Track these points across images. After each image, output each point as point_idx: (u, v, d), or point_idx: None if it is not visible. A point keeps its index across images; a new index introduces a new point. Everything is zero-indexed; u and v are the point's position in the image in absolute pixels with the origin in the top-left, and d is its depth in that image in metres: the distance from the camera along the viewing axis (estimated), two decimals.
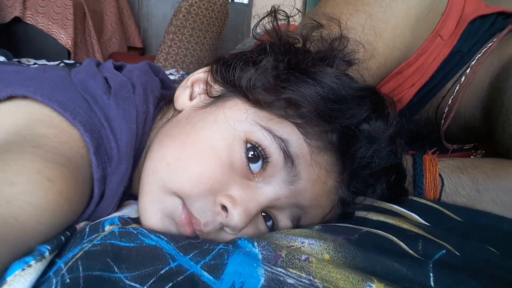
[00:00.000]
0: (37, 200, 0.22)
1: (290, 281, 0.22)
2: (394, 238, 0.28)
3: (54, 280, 0.21)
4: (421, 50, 0.47)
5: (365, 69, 0.41)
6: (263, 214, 0.30)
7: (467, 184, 0.41)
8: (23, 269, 0.21)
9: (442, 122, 0.52)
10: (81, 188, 0.27)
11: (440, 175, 0.40)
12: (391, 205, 0.35)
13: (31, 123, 0.27)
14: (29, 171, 0.23)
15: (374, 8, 0.44)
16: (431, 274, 0.24)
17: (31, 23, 2.02)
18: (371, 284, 0.22)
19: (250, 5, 2.75)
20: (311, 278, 0.22)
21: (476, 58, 0.50)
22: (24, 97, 0.29)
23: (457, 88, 0.51)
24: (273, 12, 0.33)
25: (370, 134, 0.29)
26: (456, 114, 0.51)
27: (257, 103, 0.29)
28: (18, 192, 0.22)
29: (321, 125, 0.28)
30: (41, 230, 0.23)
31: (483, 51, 0.50)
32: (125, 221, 0.28)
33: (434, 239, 0.28)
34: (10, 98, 0.29)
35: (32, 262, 0.21)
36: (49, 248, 0.23)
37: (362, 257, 0.25)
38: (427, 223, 0.32)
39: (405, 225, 0.30)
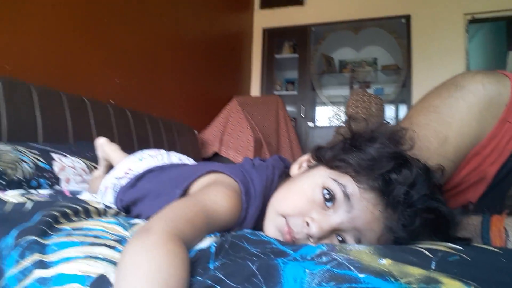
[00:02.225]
0: (224, 204, 0.47)
1: (333, 254, 0.38)
2: (423, 250, 0.40)
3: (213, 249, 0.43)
4: (491, 135, 0.58)
5: (444, 153, 0.56)
6: (337, 236, 0.47)
7: None
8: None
9: None
10: (240, 208, 0.50)
11: (504, 227, 0.47)
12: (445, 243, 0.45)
13: (219, 178, 0.54)
14: (220, 191, 0.49)
15: (442, 108, 0.59)
16: (434, 262, 0.36)
17: (224, 155, 2.63)
18: (383, 260, 0.36)
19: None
20: (344, 255, 0.37)
21: None
22: (213, 171, 0.56)
23: None
24: (349, 118, 0.54)
25: (397, 180, 0.44)
26: None
27: (331, 167, 0.50)
28: (217, 199, 0.47)
29: (365, 175, 0.45)
30: (224, 221, 0.46)
31: None
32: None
33: (457, 253, 0.39)
34: (208, 172, 0.56)
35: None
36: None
37: (387, 252, 0.38)
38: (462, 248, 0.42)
39: (441, 247, 0.41)
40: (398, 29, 3.61)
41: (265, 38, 4.07)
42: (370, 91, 4.00)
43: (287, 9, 3.98)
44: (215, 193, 0.48)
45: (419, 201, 0.45)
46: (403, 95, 3.66)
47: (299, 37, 3.96)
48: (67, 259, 0.39)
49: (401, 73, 3.63)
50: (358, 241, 0.46)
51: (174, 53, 2.58)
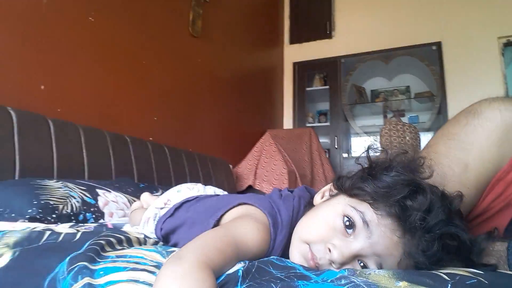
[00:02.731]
0: (253, 236, 0.51)
1: (351, 277, 0.40)
2: (442, 274, 0.41)
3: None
4: None
5: (465, 180, 0.57)
6: (359, 261, 0.49)
7: None
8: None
9: None
10: (268, 239, 0.53)
11: None
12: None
13: (249, 210, 0.58)
14: (250, 224, 0.52)
15: (461, 135, 0.61)
16: (449, 284, 0.37)
17: (258, 188, 2.66)
18: (400, 282, 0.38)
19: None
20: (363, 279, 0.40)
21: None
22: (243, 204, 0.60)
23: None
24: (368, 148, 0.57)
25: (412, 206, 0.46)
26: None
27: (350, 195, 0.52)
28: (247, 231, 0.51)
29: (382, 202, 0.48)
30: (252, 253, 0.50)
31: None
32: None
33: (476, 277, 0.40)
34: (239, 204, 0.61)
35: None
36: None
37: (405, 275, 0.40)
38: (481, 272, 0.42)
39: (461, 272, 0.42)
40: (430, 56, 3.60)
41: (296, 71, 4.18)
42: (405, 119, 3.96)
43: (316, 43, 4.08)
44: (245, 226, 0.52)
45: (437, 226, 0.46)
46: (439, 122, 3.59)
47: (329, 69, 4.03)
48: (113, 282, 0.44)
49: (436, 100, 3.58)
50: (380, 266, 0.48)
51: (208, 91, 2.71)
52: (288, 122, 4.16)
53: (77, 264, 0.47)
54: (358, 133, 4.15)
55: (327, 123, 4.07)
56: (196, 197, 0.77)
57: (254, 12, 3.60)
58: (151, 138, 1.99)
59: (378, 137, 3.43)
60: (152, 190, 1.45)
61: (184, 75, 2.42)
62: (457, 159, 0.60)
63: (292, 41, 4.24)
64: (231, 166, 2.80)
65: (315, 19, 4.14)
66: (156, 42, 2.16)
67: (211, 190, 0.91)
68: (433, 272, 0.42)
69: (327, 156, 3.83)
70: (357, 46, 3.88)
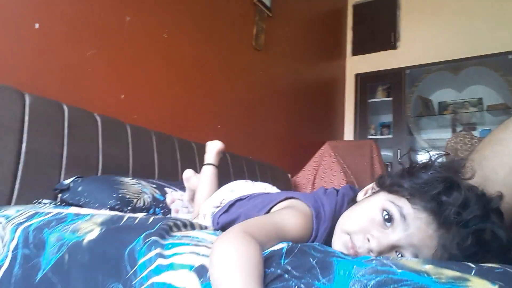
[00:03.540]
0: (291, 221, 0.57)
1: (382, 259, 0.45)
2: (472, 264, 0.44)
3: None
4: None
5: (510, 183, 0.59)
6: (396, 252, 0.53)
7: None
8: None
9: None
10: (309, 227, 0.59)
11: None
12: None
13: (293, 202, 0.65)
14: (290, 212, 0.59)
15: (508, 141, 0.62)
16: (474, 270, 0.40)
17: None
18: (426, 265, 0.42)
19: None
20: (393, 261, 0.44)
21: None
22: (290, 198, 0.67)
23: None
24: (408, 152, 0.61)
25: (447, 201, 0.49)
26: None
27: (390, 191, 0.57)
28: (286, 217, 0.58)
29: (419, 197, 0.51)
30: (291, 235, 0.56)
31: None
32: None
33: (503, 267, 0.42)
34: (286, 199, 0.67)
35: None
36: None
37: (434, 261, 0.43)
38: None
39: (492, 264, 0.45)
40: (504, 66, 3.38)
41: (358, 83, 4.14)
42: (476, 133, 3.74)
43: (380, 54, 4.03)
44: (285, 212, 0.59)
45: (472, 221, 0.49)
46: None
47: (393, 80, 3.95)
48: (179, 254, 0.53)
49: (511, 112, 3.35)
50: (416, 257, 0.51)
51: (270, 101, 2.81)
52: (349, 133, 4.13)
53: (150, 238, 0.57)
54: (424, 147, 3.98)
55: (390, 136, 3.97)
56: (248, 196, 0.85)
57: (316, 24, 3.67)
58: None
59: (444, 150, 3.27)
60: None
61: (247, 86, 2.55)
62: (503, 163, 0.61)
63: (354, 53, 4.23)
64: (289, 175, 2.86)
65: (379, 30, 4.09)
66: (222, 56, 2.31)
67: (260, 185, 1.00)
68: (465, 263, 0.45)
69: (389, 169, 3.73)
70: (423, 56, 3.77)
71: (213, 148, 1.34)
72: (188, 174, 1.32)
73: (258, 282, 0.39)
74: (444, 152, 0.59)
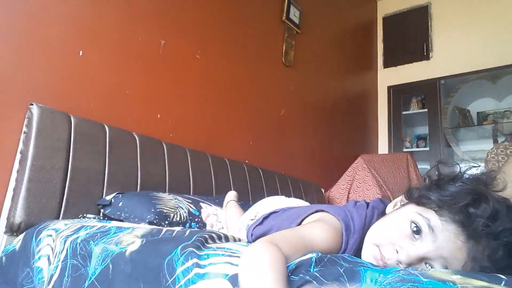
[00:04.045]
0: (319, 233, 0.58)
1: (409, 269, 0.46)
2: (502, 276, 0.44)
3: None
4: None
5: None
6: (426, 264, 0.53)
7: None
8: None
9: None
10: (338, 240, 0.61)
11: None
12: None
13: (323, 216, 0.66)
14: (319, 225, 0.61)
15: None
16: (503, 281, 0.41)
17: None
18: (454, 275, 0.42)
19: None
20: (421, 271, 0.45)
21: None
22: (321, 211, 0.68)
23: None
24: (436, 164, 0.62)
25: (475, 213, 0.49)
26: None
27: (418, 204, 0.57)
28: (315, 230, 0.59)
29: (446, 209, 0.52)
30: (319, 247, 0.58)
31: None
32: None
33: None
34: (317, 211, 0.69)
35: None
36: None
37: (463, 272, 0.44)
38: None
39: None
40: None
41: (391, 95, 4.09)
42: None
43: (412, 65, 3.97)
44: (314, 226, 0.61)
45: (503, 233, 0.49)
46: None
47: (427, 91, 3.87)
48: (214, 264, 0.56)
49: None
50: (445, 268, 0.52)
51: (301, 116, 2.84)
52: (383, 147, 4.06)
53: (187, 249, 0.61)
54: (464, 159, 3.84)
55: (426, 148, 3.87)
56: (282, 209, 0.88)
57: (345, 38, 3.68)
58: (247, 161, 2.17)
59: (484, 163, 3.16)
60: (247, 207, 1.60)
61: (278, 102, 2.59)
62: None
63: (386, 65, 4.19)
64: (323, 190, 2.84)
65: (410, 41, 4.04)
66: (252, 73, 2.37)
67: (294, 201, 1.01)
68: (495, 274, 0.45)
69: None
70: (458, 66, 3.67)
71: (229, 195, 1.45)
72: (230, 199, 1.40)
73: (285, 285, 0.42)
74: (474, 164, 0.59)
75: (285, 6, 2.65)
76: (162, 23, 1.79)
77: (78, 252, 0.77)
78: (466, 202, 0.51)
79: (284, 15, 2.64)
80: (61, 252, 0.79)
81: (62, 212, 1.15)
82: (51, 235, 0.87)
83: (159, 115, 1.74)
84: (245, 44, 2.32)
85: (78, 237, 0.81)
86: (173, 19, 1.84)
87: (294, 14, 2.74)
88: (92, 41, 1.49)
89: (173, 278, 0.57)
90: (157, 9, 1.77)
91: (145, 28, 1.70)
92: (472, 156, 3.82)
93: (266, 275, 0.42)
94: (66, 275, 0.75)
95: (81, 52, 1.44)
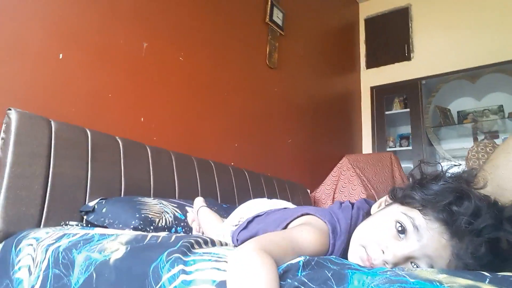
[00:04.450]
0: (307, 237, 0.58)
1: (396, 270, 0.46)
2: (487, 273, 0.45)
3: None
4: None
5: None
6: (412, 263, 0.53)
7: None
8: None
9: None
10: (325, 243, 0.60)
11: None
12: None
13: (310, 219, 0.66)
14: (306, 228, 0.60)
15: None
16: (488, 279, 0.41)
17: None
18: (439, 274, 0.43)
19: None
20: (408, 272, 0.45)
21: None
22: (307, 214, 0.68)
23: None
24: (419, 163, 0.62)
25: (458, 211, 0.50)
26: None
27: (402, 203, 0.58)
28: (302, 234, 0.59)
29: (430, 208, 0.52)
30: (307, 250, 0.57)
31: None
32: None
33: None
34: (303, 215, 0.69)
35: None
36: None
37: (449, 271, 0.44)
38: None
39: (507, 273, 0.45)
40: None
41: (374, 96, 4.14)
42: (499, 141, 3.66)
43: (394, 66, 4.03)
44: (301, 229, 0.61)
45: (485, 230, 0.50)
46: None
47: (409, 91, 3.93)
48: (201, 269, 0.55)
49: None
50: (431, 267, 0.52)
51: (286, 117, 2.84)
52: (367, 147, 4.11)
53: (173, 255, 0.60)
54: (446, 157, 3.92)
55: (409, 147, 3.93)
56: (266, 212, 0.87)
57: (328, 39, 3.71)
58: (232, 163, 2.16)
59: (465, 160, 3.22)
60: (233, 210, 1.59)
61: (262, 104, 2.59)
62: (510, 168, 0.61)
63: (369, 66, 4.24)
64: (309, 191, 2.86)
65: (392, 42, 4.10)
66: (236, 75, 2.36)
67: (277, 203, 1.02)
68: (480, 272, 0.46)
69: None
70: (438, 66, 3.75)
71: (198, 202, 1.37)
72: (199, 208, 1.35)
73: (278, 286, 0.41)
74: (455, 163, 0.60)
75: (268, 8, 2.65)
76: (145, 25, 1.77)
77: (60, 261, 0.75)
78: (449, 200, 0.52)
79: (268, 17, 2.64)
80: (43, 261, 0.77)
81: (43, 220, 1.12)
82: (31, 244, 0.85)
83: (142, 119, 1.72)
84: (229, 46, 2.32)
85: (60, 246, 0.79)
86: (155, 21, 1.83)
87: (278, 16, 2.75)
88: (73, 43, 1.46)
89: (159, 285, 0.56)
90: (139, 11, 1.75)
91: (127, 30, 1.68)
92: (453, 154, 3.90)
93: (259, 279, 0.41)
94: (48, 286, 0.73)
95: (61, 55, 1.41)
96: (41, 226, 1.11)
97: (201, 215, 1.28)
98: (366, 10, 4.40)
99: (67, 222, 1.16)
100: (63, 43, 1.42)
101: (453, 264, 0.51)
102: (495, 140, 3.67)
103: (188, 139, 1.95)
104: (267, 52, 2.65)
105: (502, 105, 3.78)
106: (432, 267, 0.52)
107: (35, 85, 1.32)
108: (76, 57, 1.47)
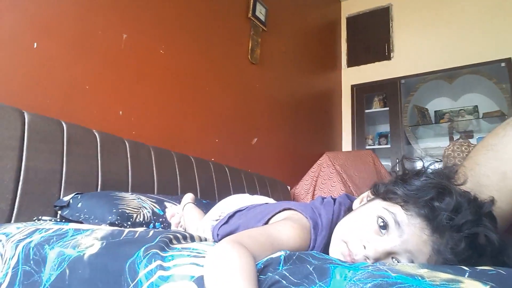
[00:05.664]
0: (287, 232, 0.57)
1: (377, 265, 0.45)
2: (467, 268, 0.45)
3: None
4: None
5: (504, 187, 0.60)
6: (392, 258, 0.53)
7: None
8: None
9: None
10: (306, 238, 0.60)
11: None
12: None
13: (291, 214, 0.65)
14: (286, 223, 0.59)
15: (498, 146, 0.64)
16: (467, 273, 0.41)
17: None
18: (421, 269, 0.43)
19: None
20: (389, 267, 0.45)
21: None
22: (288, 209, 0.68)
23: None
24: (401, 159, 0.62)
25: (439, 206, 0.50)
26: None
27: (384, 199, 0.58)
28: (282, 228, 0.58)
29: (412, 204, 0.53)
30: (287, 245, 0.57)
31: None
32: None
33: (496, 269, 0.43)
34: (284, 209, 0.68)
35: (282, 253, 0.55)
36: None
37: (429, 266, 0.44)
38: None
39: (486, 267, 0.46)
40: (498, 74, 3.43)
41: (354, 94, 4.18)
42: (473, 141, 3.76)
43: (374, 65, 4.08)
44: (281, 224, 0.60)
45: (465, 226, 0.50)
46: None
47: (388, 90, 3.99)
48: (179, 265, 0.53)
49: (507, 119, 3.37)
50: (412, 263, 0.52)
51: (267, 114, 2.84)
52: (347, 144, 4.15)
53: (150, 251, 0.58)
54: (423, 156, 3.99)
55: (388, 145, 3.99)
56: (247, 207, 0.86)
57: (311, 37, 3.72)
58: (213, 159, 2.14)
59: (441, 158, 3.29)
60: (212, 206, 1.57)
61: (243, 100, 2.58)
62: (495, 168, 0.62)
63: (349, 64, 4.28)
64: (288, 187, 2.86)
65: (373, 41, 4.15)
66: (218, 70, 2.34)
67: (259, 199, 1.01)
68: (460, 266, 0.46)
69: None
70: (417, 66, 3.82)
71: (186, 198, 1.35)
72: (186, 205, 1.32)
73: (256, 285, 0.40)
74: (437, 159, 0.61)
75: (251, 3, 2.63)
76: (124, 16, 1.72)
77: (31, 258, 0.71)
78: (431, 196, 0.52)
79: (251, 12, 2.62)
80: (12, 258, 0.74)
81: (14, 215, 1.08)
82: (0, 240, 0.81)
83: (121, 112, 1.68)
84: (211, 40, 2.29)
85: (31, 241, 0.75)
86: (136, 12, 1.78)
87: (260, 12, 2.73)
88: (48, 32, 1.40)
89: (135, 281, 0.54)
90: (119, 1, 1.70)
91: (106, 20, 1.63)
92: (430, 153, 3.98)
93: (235, 275, 0.40)
94: (17, 283, 0.70)
95: (35, 44, 1.36)
96: (12, 221, 1.07)
97: (185, 212, 1.26)
98: (348, 8, 4.44)
99: (40, 217, 1.12)
100: (38, 31, 1.37)
101: (433, 259, 0.52)
102: (470, 140, 3.78)
103: (168, 133, 1.92)
104: (250, 48, 2.63)
105: (477, 106, 3.88)
106: (412, 262, 0.52)
107: (7, 75, 1.27)
108: (52, 47, 1.41)
